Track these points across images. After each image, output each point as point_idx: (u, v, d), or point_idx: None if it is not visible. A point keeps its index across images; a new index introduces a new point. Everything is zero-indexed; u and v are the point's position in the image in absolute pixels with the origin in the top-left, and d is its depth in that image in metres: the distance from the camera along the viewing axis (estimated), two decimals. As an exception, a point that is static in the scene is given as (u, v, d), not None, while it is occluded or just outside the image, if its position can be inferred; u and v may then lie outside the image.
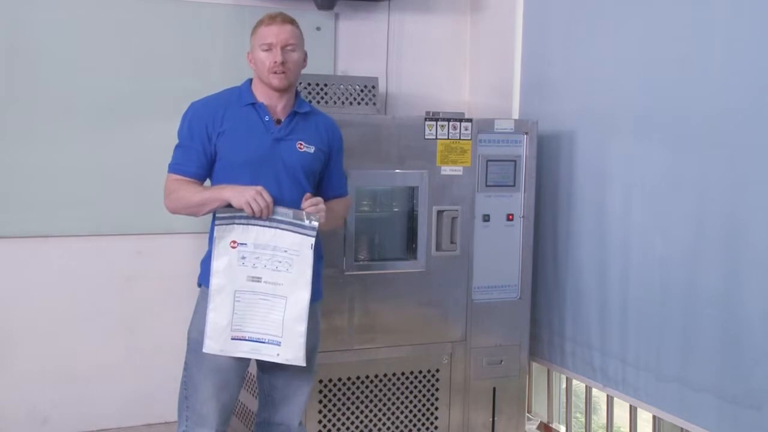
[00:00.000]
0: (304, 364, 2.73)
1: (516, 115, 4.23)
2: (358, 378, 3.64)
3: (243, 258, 2.68)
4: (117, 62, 3.99)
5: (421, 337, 3.73)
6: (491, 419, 3.87)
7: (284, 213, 2.69)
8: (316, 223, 2.70)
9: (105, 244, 4.03)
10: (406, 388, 3.73)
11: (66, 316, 3.98)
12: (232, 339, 2.70)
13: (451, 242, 3.72)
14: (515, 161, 3.83)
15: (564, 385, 4.11)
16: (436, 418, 3.78)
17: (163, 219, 4.08)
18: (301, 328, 2.70)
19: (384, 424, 3.71)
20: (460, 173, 3.73)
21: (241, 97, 2.82)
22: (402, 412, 3.73)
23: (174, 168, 2.80)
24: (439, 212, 3.71)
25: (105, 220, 4.02)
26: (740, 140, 3.04)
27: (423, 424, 3.78)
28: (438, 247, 3.72)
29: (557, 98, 3.97)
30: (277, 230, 2.68)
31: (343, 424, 3.65)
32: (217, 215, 2.69)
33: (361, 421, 3.68)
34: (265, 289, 2.69)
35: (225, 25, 4.17)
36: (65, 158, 3.93)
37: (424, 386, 3.76)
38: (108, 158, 4.00)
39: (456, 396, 3.81)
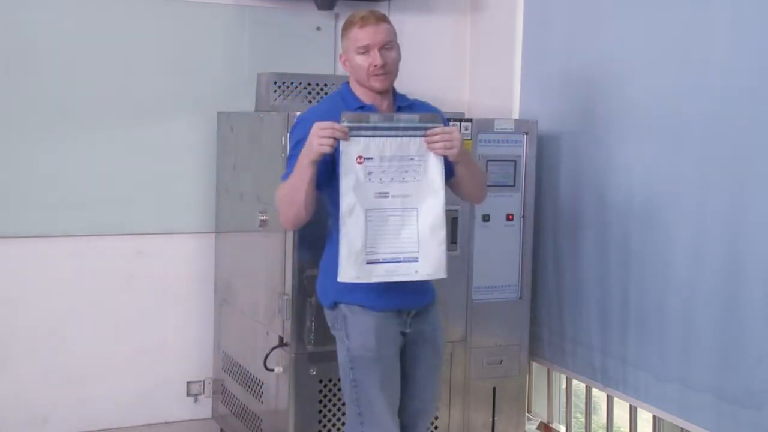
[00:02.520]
0: (445, 276, 2.60)
1: (516, 115, 4.22)
2: (358, 378, 3.63)
3: (370, 173, 2.52)
4: (116, 62, 3.99)
5: (421, 337, 3.72)
6: (491, 419, 3.87)
7: (410, 119, 2.54)
8: (441, 124, 2.56)
9: (105, 244, 4.03)
10: (406, 388, 3.72)
11: (66, 316, 3.98)
12: (366, 264, 2.52)
13: (451, 242, 3.72)
14: (515, 161, 3.82)
15: (564, 385, 4.11)
16: (436, 418, 3.78)
17: (163, 219, 4.11)
18: (440, 235, 2.55)
19: (384, 424, 3.70)
20: (460, 173, 3.72)
21: (347, 102, 2.73)
22: (402, 412, 3.73)
23: (284, 177, 2.68)
24: (439, 212, 3.70)
25: (105, 220, 4.02)
26: (740, 140, 3.04)
27: (423, 424, 3.77)
28: (438, 247, 3.71)
29: (557, 98, 3.97)
30: (404, 138, 2.52)
31: (344, 423, 3.64)
32: (347, 124, 2.49)
33: (361, 421, 3.67)
34: (393, 204, 2.54)
35: (225, 25, 4.17)
36: (65, 158, 3.93)
37: (424, 386, 3.75)
38: (108, 158, 4.00)
39: (456, 396, 3.80)
